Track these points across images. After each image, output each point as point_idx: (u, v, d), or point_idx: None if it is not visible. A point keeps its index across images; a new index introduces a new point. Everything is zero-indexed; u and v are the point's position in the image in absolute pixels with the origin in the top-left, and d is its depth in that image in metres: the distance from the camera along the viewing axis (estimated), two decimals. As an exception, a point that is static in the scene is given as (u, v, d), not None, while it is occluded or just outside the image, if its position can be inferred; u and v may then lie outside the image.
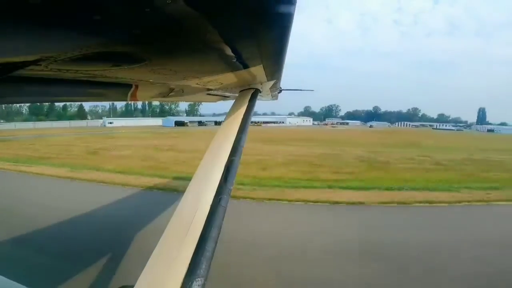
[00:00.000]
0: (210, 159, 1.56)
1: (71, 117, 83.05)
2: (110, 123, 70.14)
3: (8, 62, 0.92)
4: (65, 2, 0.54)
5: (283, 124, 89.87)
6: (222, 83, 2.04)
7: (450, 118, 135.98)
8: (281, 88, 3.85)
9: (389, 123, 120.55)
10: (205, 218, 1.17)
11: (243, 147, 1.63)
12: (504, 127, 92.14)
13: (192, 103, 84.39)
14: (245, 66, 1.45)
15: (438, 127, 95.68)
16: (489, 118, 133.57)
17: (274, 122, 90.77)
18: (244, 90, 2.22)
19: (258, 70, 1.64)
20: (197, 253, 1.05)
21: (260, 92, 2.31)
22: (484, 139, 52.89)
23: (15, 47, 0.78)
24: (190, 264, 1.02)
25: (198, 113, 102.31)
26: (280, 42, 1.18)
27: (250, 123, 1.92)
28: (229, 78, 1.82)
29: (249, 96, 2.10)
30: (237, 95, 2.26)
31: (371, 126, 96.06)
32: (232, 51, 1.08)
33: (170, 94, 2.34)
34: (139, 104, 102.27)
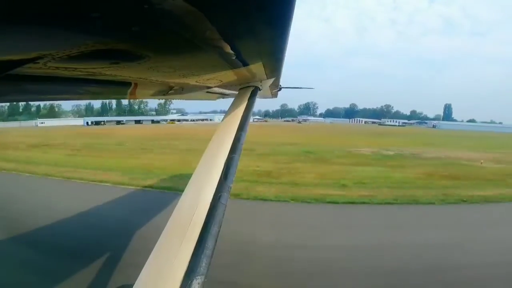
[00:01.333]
0: (210, 157, 1.56)
1: (40, 117, 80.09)
2: (42, 123, 74.76)
3: (5, 60, 0.91)
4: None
5: (210, 121, 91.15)
6: (221, 81, 2.04)
7: (423, 115, 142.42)
8: (281, 86, 3.83)
9: (349, 120, 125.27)
10: (205, 216, 1.17)
11: (243, 144, 1.63)
12: (443, 122, 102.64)
13: (162, 102, 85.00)
14: (245, 64, 1.44)
15: (384, 123, 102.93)
16: (462, 115, 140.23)
17: (202, 120, 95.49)
18: (243, 87, 2.22)
19: (257, 68, 1.64)
20: (197, 251, 1.04)
21: (260, 89, 2.31)
22: (376, 134, 46.25)
23: (13, 45, 0.77)
24: (190, 262, 1.01)
25: (171, 112, 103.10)
26: (280, 40, 1.17)
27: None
28: (228, 75, 1.82)
29: (249, 94, 2.10)
30: (237, 92, 2.27)
31: (299, 122, 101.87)
32: (232, 49, 1.07)
33: (169, 92, 2.33)
34: (114, 103, 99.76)
